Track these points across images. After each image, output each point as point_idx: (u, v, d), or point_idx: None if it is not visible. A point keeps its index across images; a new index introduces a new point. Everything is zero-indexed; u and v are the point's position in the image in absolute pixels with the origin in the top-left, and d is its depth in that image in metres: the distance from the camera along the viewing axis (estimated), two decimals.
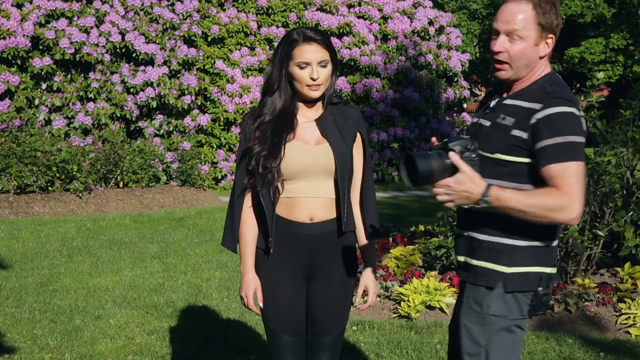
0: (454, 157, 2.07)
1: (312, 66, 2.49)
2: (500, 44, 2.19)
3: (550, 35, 2.20)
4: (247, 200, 2.60)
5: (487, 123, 2.27)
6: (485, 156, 2.19)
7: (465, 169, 2.06)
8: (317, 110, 2.61)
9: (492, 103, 2.31)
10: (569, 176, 2.05)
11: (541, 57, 2.22)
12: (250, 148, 2.53)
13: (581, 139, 2.10)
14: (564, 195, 2.04)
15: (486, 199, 2.05)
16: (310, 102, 2.59)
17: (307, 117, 2.59)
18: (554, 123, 2.09)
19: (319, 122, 2.58)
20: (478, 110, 2.43)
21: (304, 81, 2.50)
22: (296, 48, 2.49)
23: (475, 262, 2.27)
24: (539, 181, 2.13)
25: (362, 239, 2.69)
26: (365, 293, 2.68)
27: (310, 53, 2.48)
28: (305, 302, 2.63)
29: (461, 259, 2.35)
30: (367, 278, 2.67)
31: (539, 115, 2.11)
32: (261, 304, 2.57)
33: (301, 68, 2.49)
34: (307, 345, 2.64)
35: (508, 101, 2.24)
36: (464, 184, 2.04)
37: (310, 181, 2.54)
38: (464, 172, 2.05)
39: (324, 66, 2.51)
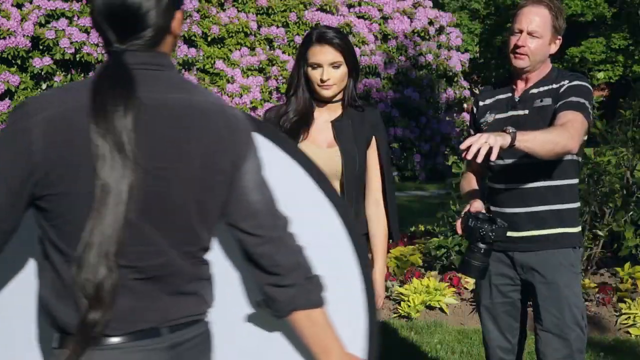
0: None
1: (323, 67, 2.50)
2: (523, 40, 2.58)
3: (559, 37, 2.65)
4: None
5: (525, 112, 2.63)
6: None
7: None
8: (336, 112, 2.61)
9: (516, 97, 2.67)
10: (576, 121, 2.44)
11: (550, 55, 2.66)
12: None
13: (590, 106, 2.57)
14: (569, 131, 2.40)
15: (512, 132, 2.28)
16: (328, 103, 2.59)
17: (324, 119, 2.59)
18: (577, 89, 2.56)
19: (335, 125, 2.58)
20: (491, 108, 2.73)
21: (315, 81, 2.52)
22: (310, 49, 2.52)
23: (556, 230, 2.62)
24: (578, 154, 2.63)
25: (374, 242, 2.68)
26: None
27: (322, 54, 2.50)
28: None
29: (529, 233, 2.63)
30: (375, 281, 2.67)
31: (566, 85, 2.58)
32: None
33: (313, 68, 2.52)
34: None
35: (534, 90, 2.64)
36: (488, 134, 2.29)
37: None
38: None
39: (337, 67, 2.51)
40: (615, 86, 27.46)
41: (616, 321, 4.70)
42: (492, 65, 29.24)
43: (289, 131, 2.52)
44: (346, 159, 2.54)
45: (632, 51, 25.61)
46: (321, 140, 2.57)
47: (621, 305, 4.80)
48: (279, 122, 2.56)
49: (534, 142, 2.31)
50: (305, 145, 2.53)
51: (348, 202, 2.54)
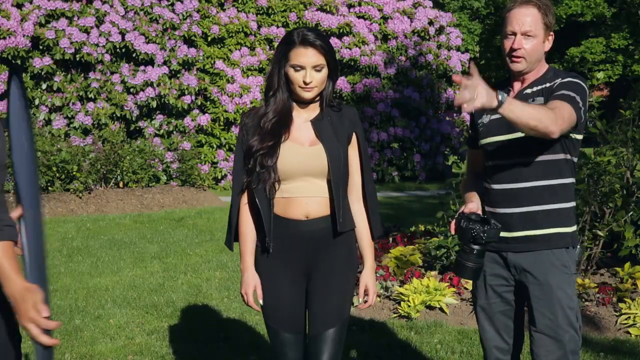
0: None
1: (306, 70, 2.50)
2: (518, 42, 2.58)
3: (551, 33, 2.63)
4: (246, 199, 2.63)
5: None
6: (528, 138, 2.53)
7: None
8: (314, 111, 2.62)
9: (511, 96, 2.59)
10: (564, 109, 2.43)
11: (545, 52, 2.64)
12: (250, 146, 2.55)
13: (582, 103, 2.53)
14: (555, 114, 2.40)
15: (502, 97, 2.29)
16: (307, 103, 2.60)
17: (303, 118, 2.61)
18: (568, 85, 2.55)
19: (314, 123, 2.59)
20: (487, 110, 2.63)
21: (297, 83, 2.52)
22: (292, 50, 2.51)
23: (549, 230, 2.60)
24: (573, 154, 2.62)
25: (361, 238, 2.69)
26: (365, 293, 2.68)
27: (305, 57, 2.49)
28: (304, 299, 2.65)
29: (521, 233, 2.62)
30: (367, 278, 2.68)
31: (558, 82, 2.57)
32: (261, 301, 2.61)
33: (295, 70, 2.51)
34: (311, 341, 2.65)
35: (528, 90, 2.63)
36: (482, 85, 2.26)
37: (304, 181, 2.56)
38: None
39: (319, 70, 2.52)
40: (615, 86, 27.48)
41: (616, 321, 4.70)
42: (493, 65, 29.25)
43: (270, 131, 2.54)
44: (331, 156, 2.55)
45: (631, 51, 25.63)
46: (303, 140, 2.58)
47: (621, 305, 4.80)
48: (259, 123, 2.57)
49: (521, 113, 2.32)
50: (288, 145, 2.55)
51: (336, 199, 2.55)
